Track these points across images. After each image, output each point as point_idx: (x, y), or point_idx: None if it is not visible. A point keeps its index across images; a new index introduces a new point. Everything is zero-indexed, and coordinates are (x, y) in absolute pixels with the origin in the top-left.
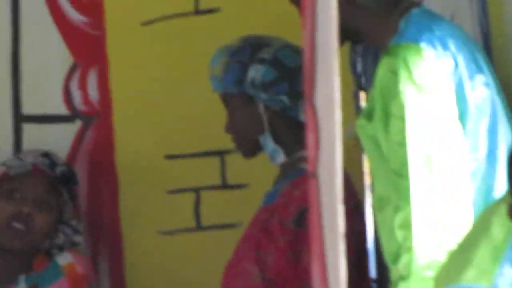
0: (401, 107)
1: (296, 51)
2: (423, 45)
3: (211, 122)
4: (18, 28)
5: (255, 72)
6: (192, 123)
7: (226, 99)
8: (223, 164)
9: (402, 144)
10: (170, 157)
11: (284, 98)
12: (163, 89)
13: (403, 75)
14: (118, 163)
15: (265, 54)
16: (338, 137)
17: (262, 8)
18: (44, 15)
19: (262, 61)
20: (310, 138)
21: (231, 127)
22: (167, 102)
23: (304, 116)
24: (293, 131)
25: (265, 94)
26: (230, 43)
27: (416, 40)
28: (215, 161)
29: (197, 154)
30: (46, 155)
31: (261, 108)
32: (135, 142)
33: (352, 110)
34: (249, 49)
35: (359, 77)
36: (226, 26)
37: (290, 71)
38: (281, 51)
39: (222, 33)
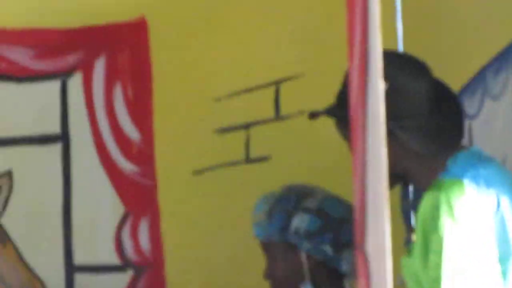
0: (440, 242)
1: (340, 202)
2: (466, 181)
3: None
4: (69, 177)
5: (300, 221)
6: (244, 270)
7: (267, 246)
8: None
9: (438, 280)
10: None
11: (327, 248)
12: (214, 238)
13: (444, 209)
14: None
15: (310, 203)
16: (389, 284)
17: (312, 156)
18: (95, 165)
19: (307, 210)
20: (361, 285)
21: (271, 274)
22: (218, 251)
23: (347, 267)
24: (333, 281)
25: (309, 243)
26: (274, 191)
27: (460, 177)
28: None
29: None
30: None
31: (303, 257)
32: None
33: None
34: (294, 198)
35: (411, 223)
36: (276, 173)
37: (334, 221)
38: (326, 201)
39: (272, 181)
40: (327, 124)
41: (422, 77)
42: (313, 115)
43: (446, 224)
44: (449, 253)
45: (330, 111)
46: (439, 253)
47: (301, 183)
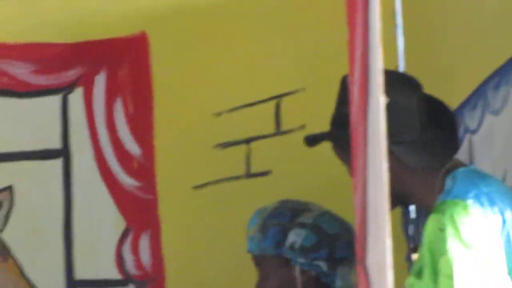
0: (449, 265)
1: (334, 218)
2: (470, 201)
3: None
4: (70, 193)
5: (296, 236)
6: (245, 283)
7: (261, 260)
8: None
9: None
10: None
11: (322, 264)
12: (215, 252)
13: (450, 232)
14: None
15: (306, 219)
16: None
17: (313, 171)
18: (95, 180)
19: (302, 225)
20: None
21: None
22: (219, 265)
23: (340, 283)
24: None
25: (303, 259)
26: (267, 206)
27: (463, 197)
28: None
29: None
30: None
31: (297, 272)
32: None
33: (404, 273)
34: (288, 213)
35: (411, 239)
36: (277, 188)
37: (329, 237)
38: (321, 217)
39: (273, 195)
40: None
41: (413, 92)
42: (310, 141)
43: (454, 247)
44: (460, 276)
45: (326, 135)
46: (449, 276)
47: (294, 198)
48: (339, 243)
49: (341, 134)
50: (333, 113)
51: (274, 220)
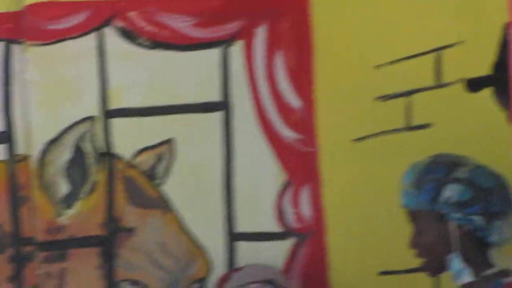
0: None
1: (489, 172)
2: None
3: None
4: (230, 145)
5: (451, 191)
6: (405, 237)
7: (416, 215)
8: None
9: None
10: (383, 274)
11: (478, 219)
12: (375, 205)
13: None
14: (331, 281)
15: (461, 173)
16: None
17: (473, 123)
18: (256, 133)
19: (458, 180)
20: None
21: (417, 244)
22: (379, 217)
23: (496, 237)
24: (481, 251)
25: (459, 214)
26: (422, 160)
27: None
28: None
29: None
30: (270, 282)
31: (452, 227)
32: (348, 260)
33: None
34: (443, 168)
35: None
36: (437, 141)
37: (485, 191)
38: (477, 171)
39: (433, 148)
40: (488, 91)
41: None
42: (472, 86)
43: None
44: None
45: (489, 79)
46: None
47: (454, 151)
48: (494, 197)
49: (504, 78)
50: (496, 58)
51: (428, 175)
